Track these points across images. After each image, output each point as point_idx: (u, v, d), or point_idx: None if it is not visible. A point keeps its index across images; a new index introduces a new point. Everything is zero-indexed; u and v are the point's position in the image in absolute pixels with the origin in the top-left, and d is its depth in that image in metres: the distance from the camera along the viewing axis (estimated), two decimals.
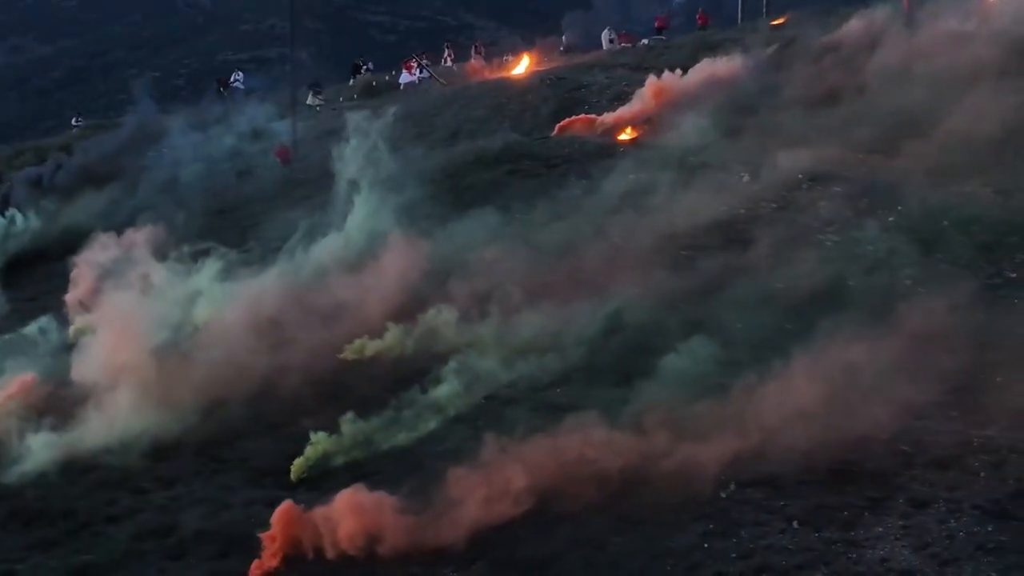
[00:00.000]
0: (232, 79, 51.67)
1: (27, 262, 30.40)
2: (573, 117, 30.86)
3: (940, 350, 16.88)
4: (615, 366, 18.92)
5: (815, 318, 18.44)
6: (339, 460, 18.12)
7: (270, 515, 16.57)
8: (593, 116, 30.46)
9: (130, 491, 18.42)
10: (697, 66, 30.39)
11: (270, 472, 18.45)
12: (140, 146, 36.36)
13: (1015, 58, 24.78)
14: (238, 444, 19.45)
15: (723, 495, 15.44)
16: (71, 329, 23.23)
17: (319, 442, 18.31)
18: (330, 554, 15.67)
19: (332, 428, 18.63)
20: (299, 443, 18.64)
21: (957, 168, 22.24)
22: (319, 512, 16.11)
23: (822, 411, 15.92)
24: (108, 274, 21.90)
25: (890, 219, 21.62)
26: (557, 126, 30.48)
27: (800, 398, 16.14)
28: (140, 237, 23.38)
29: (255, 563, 15.84)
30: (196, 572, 16.08)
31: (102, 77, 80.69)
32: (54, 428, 19.75)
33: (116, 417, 19.91)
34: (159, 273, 22.05)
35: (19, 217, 32.61)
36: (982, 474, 14.96)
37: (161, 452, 19.23)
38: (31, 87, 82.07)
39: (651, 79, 30.25)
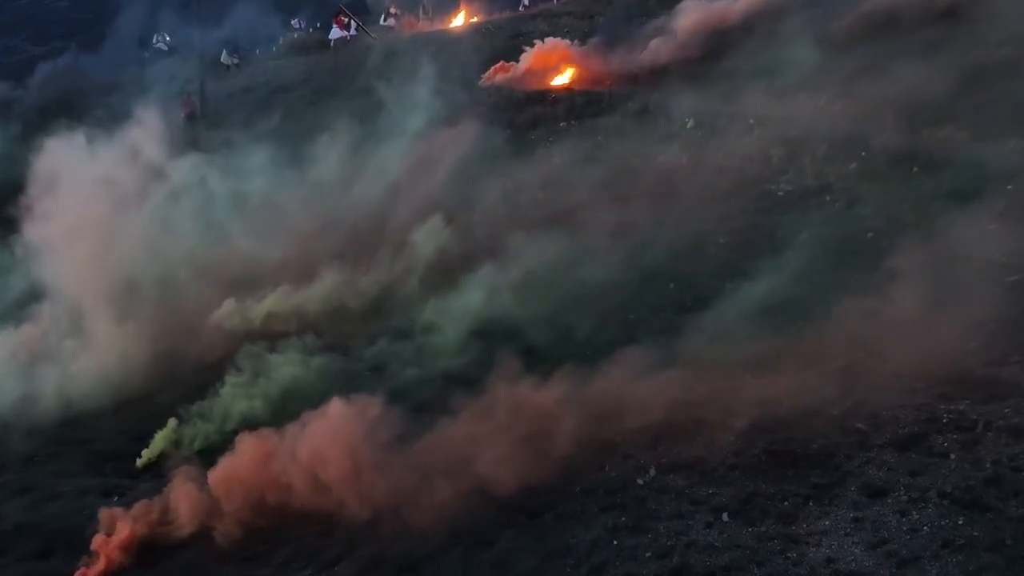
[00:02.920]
0: (155, 40, 49.67)
1: None
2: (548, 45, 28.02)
3: (903, 311, 15.07)
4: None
5: (761, 275, 16.88)
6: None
7: (102, 505, 15.05)
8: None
9: None
10: None
11: (113, 456, 16.71)
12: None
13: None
14: (83, 422, 17.56)
15: (640, 481, 13.63)
16: None
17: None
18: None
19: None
20: (150, 423, 16.87)
21: (930, 112, 19.94)
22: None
23: (760, 381, 14.30)
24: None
25: (852, 166, 19.39)
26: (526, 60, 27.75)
27: (734, 366, 14.55)
28: None
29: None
30: (11, 574, 14.54)
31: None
32: None
33: None
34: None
35: None
36: (951, 456, 13.03)
37: None
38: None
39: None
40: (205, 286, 20.05)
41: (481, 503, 13.45)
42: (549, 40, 28.54)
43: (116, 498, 15.22)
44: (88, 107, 32.07)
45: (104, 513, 14.60)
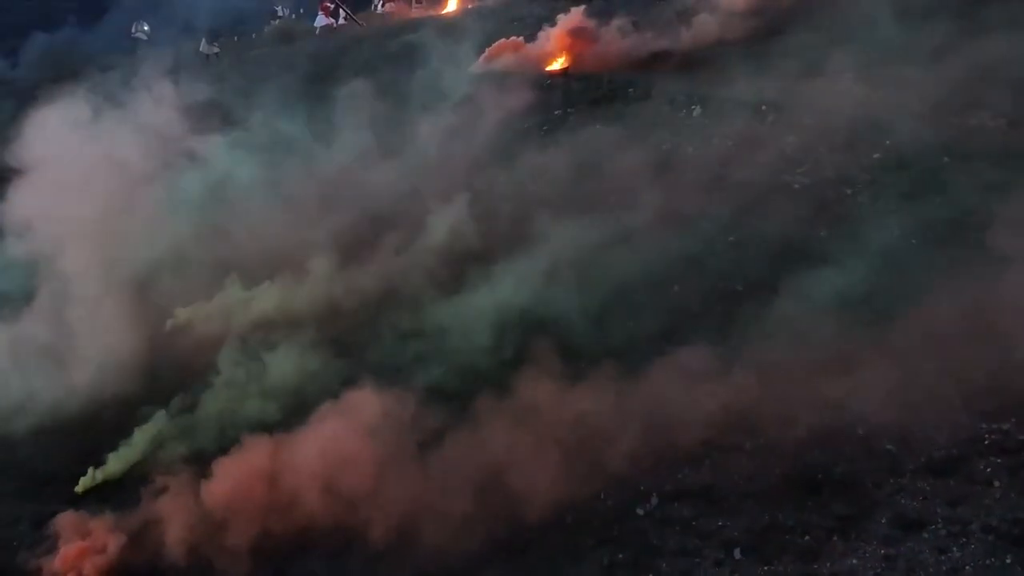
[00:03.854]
0: (134, 29, 48.43)
1: None
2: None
3: (935, 319, 13.91)
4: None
5: (773, 279, 15.62)
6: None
7: (37, 536, 14.00)
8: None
9: None
10: None
11: (50, 479, 15.40)
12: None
13: None
14: (25, 442, 16.40)
15: (640, 511, 12.56)
16: None
17: None
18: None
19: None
20: (97, 443, 15.66)
21: (961, 97, 18.63)
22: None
23: (775, 396, 13.10)
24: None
25: (875, 156, 18.22)
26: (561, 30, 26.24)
27: (745, 379, 13.36)
28: None
29: None
30: None
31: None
32: None
33: None
34: None
35: None
36: (996, 483, 11.96)
37: None
38: None
39: None
40: (197, 278, 18.68)
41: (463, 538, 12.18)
42: (573, 11, 26.92)
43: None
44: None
45: (68, 520, 13.40)
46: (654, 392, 13.46)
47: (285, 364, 16.14)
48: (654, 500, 12.49)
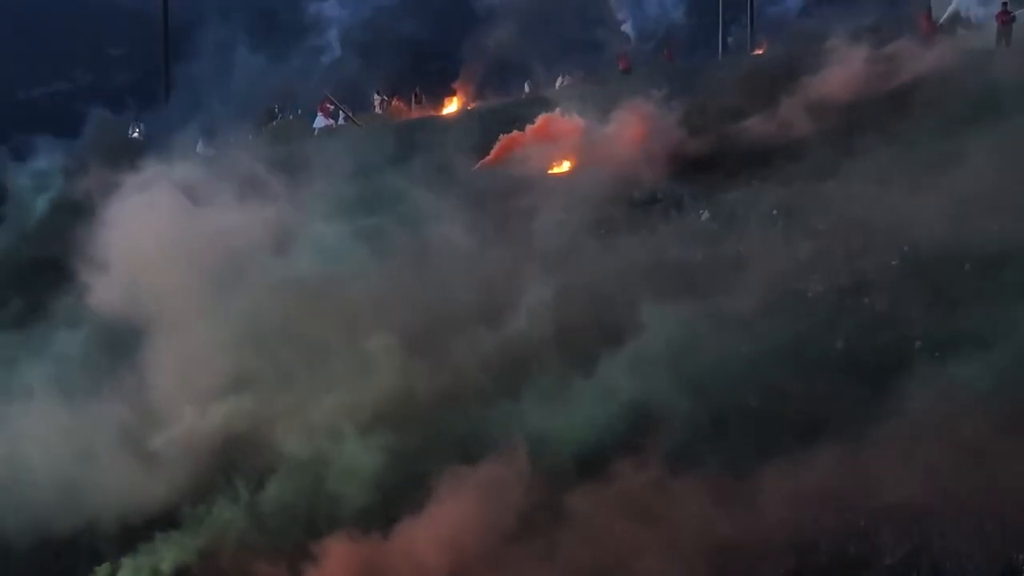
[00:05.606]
0: (131, 129, 48.93)
1: None
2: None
3: (964, 436, 13.28)
4: None
5: (787, 392, 15.26)
6: None
7: None
8: None
9: None
10: None
11: None
12: None
13: None
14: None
15: None
16: None
17: None
18: None
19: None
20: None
21: (981, 200, 18.26)
22: None
23: (792, 520, 12.68)
24: None
25: (893, 263, 17.87)
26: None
27: (758, 501, 13.02)
28: None
29: None
30: None
31: None
32: None
33: None
34: None
35: None
36: None
37: None
38: None
39: None
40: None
41: None
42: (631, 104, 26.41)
43: None
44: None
45: None
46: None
47: (362, 451, 15.51)
48: None
